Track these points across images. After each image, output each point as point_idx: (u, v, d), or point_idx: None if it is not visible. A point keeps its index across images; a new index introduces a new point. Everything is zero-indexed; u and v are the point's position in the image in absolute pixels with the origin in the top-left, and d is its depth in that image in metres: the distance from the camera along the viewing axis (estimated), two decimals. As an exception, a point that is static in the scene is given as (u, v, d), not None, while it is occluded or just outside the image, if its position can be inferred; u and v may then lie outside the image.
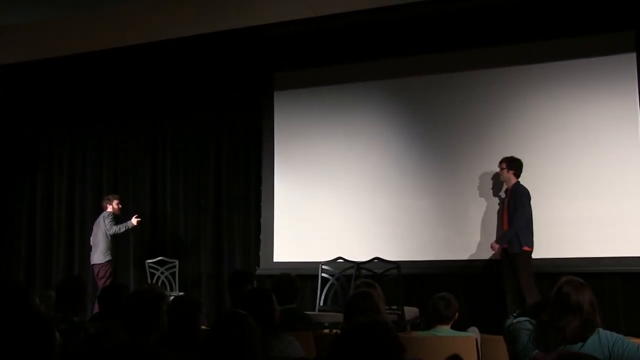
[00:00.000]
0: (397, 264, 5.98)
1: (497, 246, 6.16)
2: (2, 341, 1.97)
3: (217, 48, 7.60)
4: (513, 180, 6.28)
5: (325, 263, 6.35)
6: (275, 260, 7.45)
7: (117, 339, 2.98)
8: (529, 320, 3.06)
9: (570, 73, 6.45)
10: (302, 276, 4.87)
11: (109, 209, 7.69)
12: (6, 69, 7.75)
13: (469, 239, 6.65)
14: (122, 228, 7.60)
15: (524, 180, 6.28)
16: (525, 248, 6.10)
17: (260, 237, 7.61)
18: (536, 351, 2.88)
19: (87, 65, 7.92)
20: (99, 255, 7.57)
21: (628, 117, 6.20)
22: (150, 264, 7.57)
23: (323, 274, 6.27)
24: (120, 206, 7.80)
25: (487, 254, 6.47)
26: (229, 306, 4.71)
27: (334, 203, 7.23)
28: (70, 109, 8.72)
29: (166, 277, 7.50)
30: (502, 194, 6.51)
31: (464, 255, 6.65)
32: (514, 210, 6.13)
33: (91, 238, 7.77)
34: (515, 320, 3.12)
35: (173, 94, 8.18)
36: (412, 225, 6.87)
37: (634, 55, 6.23)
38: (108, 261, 7.56)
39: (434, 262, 6.73)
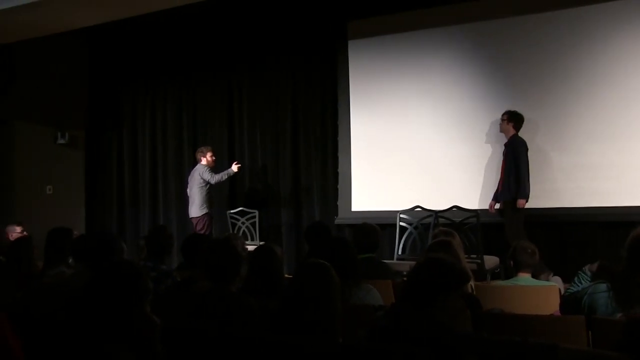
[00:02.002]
0: (476, 213, 5.90)
1: (492, 204, 6.31)
2: (103, 289, 2.11)
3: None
4: (512, 132, 6.30)
5: (403, 212, 6.33)
6: (353, 209, 7.50)
7: (202, 286, 3.10)
8: (602, 282, 2.82)
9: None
10: (380, 225, 4.86)
11: (203, 161, 7.60)
12: (91, 30, 7.97)
13: (549, 186, 6.47)
14: (224, 176, 7.55)
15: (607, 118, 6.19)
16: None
17: (338, 186, 7.65)
18: (620, 314, 2.66)
19: (165, 22, 8.04)
20: (195, 208, 7.54)
21: None
22: (231, 215, 7.76)
23: (401, 223, 6.27)
24: (214, 158, 7.68)
25: (567, 201, 6.31)
26: (305, 256, 4.79)
27: (411, 151, 7.16)
28: (151, 65, 8.94)
29: (247, 227, 7.66)
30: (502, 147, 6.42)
31: (543, 203, 6.46)
32: (514, 162, 6.15)
33: (187, 191, 7.78)
34: (581, 288, 2.89)
35: (248, 45, 8.21)
36: (491, 173, 6.71)
37: None
38: (205, 214, 7.52)
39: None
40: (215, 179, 7.50)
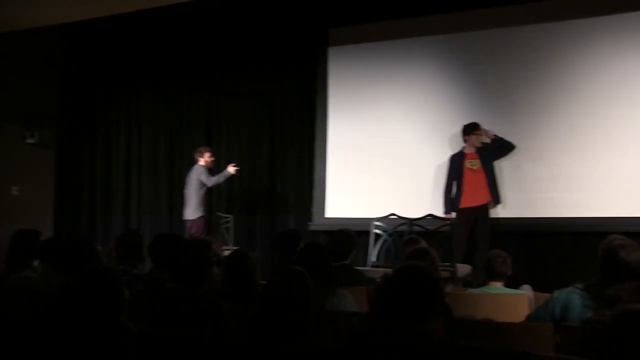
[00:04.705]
0: (450, 221, 5.94)
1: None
2: (81, 298, 2.06)
3: (272, 3, 7.54)
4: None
5: (378, 219, 6.34)
6: (327, 215, 7.48)
7: (170, 288, 3.05)
8: (579, 286, 2.89)
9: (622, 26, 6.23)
10: (354, 232, 4.86)
11: (201, 162, 7.30)
12: (67, 27, 7.84)
13: (522, 196, 6.54)
14: (220, 178, 7.28)
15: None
16: None
17: (313, 192, 7.63)
18: (591, 315, 2.72)
19: (142, 23, 7.97)
20: (190, 211, 7.27)
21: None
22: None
23: (376, 230, 6.28)
24: (212, 159, 7.39)
25: (538, 211, 6.39)
26: (276, 264, 4.76)
27: (388, 159, 7.16)
28: (128, 65, 8.82)
29: (221, 232, 7.61)
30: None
31: (515, 212, 6.54)
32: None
33: (184, 192, 7.48)
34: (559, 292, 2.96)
35: (228, 50, 8.15)
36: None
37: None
38: (200, 217, 7.26)
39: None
40: (211, 181, 7.27)
